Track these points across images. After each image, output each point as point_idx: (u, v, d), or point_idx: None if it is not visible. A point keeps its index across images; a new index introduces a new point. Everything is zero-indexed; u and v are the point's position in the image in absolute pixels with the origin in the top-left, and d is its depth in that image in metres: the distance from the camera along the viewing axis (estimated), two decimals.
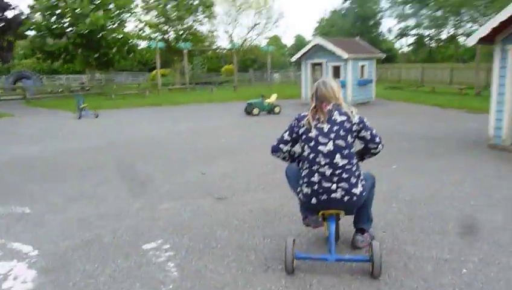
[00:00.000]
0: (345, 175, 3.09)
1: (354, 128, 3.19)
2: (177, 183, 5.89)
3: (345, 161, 3.11)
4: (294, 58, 17.71)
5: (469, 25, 28.15)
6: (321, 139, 3.13)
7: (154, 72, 33.43)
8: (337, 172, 3.09)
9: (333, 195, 3.10)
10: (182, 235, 4.06)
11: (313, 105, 3.26)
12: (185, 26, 29.14)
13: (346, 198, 3.11)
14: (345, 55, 15.56)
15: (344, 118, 3.17)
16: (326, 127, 3.15)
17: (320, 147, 3.12)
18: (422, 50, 35.51)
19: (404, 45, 38.11)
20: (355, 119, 3.19)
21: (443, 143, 8.41)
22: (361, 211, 3.48)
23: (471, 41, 7.83)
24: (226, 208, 4.82)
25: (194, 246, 3.83)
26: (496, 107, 7.81)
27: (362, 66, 16.56)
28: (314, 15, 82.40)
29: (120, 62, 27.82)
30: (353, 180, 3.11)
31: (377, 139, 3.27)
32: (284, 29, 77.18)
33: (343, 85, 16.01)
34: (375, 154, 3.36)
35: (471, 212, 4.47)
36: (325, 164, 3.10)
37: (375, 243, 3.14)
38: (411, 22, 34.05)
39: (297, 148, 3.38)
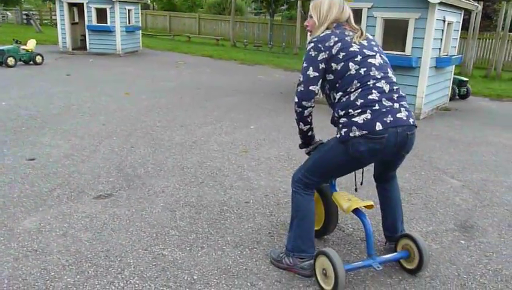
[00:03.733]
0: (402, 93, 2.44)
1: None
2: (7, 183, 3.84)
3: (396, 79, 2.49)
4: None
5: None
6: (367, 51, 2.42)
7: None
8: (395, 88, 2.41)
9: (399, 115, 2.32)
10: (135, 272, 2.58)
11: (333, 25, 2.49)
12: None
13: (411, 120, 2.37)
14: None
15: (371, 36, 2.59)
16: (364, 42, 2.47)
17: (370, 60, 2.40)
18: None
19: None
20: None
21: (265, 96, 8.42)
22: None
23: None
24: (133, 212, 3.39)
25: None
26: None
27: (129, 11, 14.96)
28: None
29: None
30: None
31: None
32: None
33: (111, 31, 14.17)
34: None
35: None
36: (381, 78, 2.37)
37: (415, 234, 2.67)
38: None
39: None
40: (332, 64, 2.38)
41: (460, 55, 9.12)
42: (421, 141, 5.80)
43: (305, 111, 2.48)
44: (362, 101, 2.30)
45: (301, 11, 18.40)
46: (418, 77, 7.04)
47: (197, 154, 4.81)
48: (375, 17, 7.23)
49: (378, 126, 2.25)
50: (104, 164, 4.37)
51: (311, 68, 2.40)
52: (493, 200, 3.96)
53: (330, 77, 2.42)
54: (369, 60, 2.39)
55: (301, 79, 2.43)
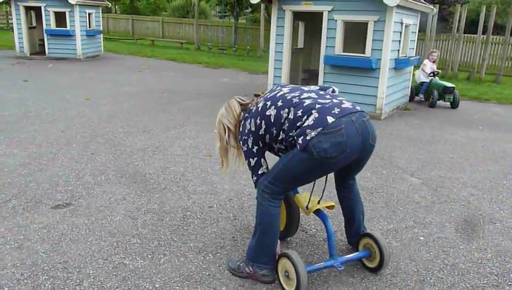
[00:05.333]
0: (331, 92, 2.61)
1: None
2: None
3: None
4: None
5: None
6: (270, 94, 2.60)
7: None
8: (321, 92, 2.50)
9: (344, 106, 2.32)
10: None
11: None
12: None
13: (358, 108, 2.39)
14: (72, 0, 13.28)
15: None
16: (265, 96, 2.69)
17: (279, 94, 2.54)
18: (124, 0, 34.51)
19: None
20: None
21: (230, 99, 8.40)
22: None
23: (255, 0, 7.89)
24: (93, 221, 3.30)
25: None
26: (274, 65, 8.27)
27: (90, 14, 14.62)
28: None
29: None
30: None
31: None
32: None
33: (71, 35, 13.81)
34: None
35: None
36: (302, 92, 2.47)
37: (376, 233, 2.74)
38: None
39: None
40: (260, 132, 2.51)
41: (418, 57, 9.40)
42: (382, 140, 5.93)
43: None
44: (302, 110, 2.32)
45: (265, 14, 18.53)
46: (378, 78, 7.20)
47: (159, 159, 4.75)
48: (336, 20, 7.36)
49: (330, 119, 2.22)
50: (62, 172, 4.24)
51: (250, 158, 2.57)
52: (450, 196, 4.09)
53: (267, 139, 2.52)
54: (278, 95, 2.50)
55: (250, 171, 2.61)
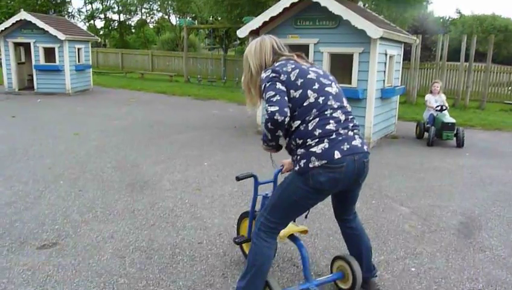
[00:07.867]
0: (356, 122, 2.51)
1: None
2: None
3: (350, 108, 2.56)
4: None
5: (159, 14, 29.47)
6: (323, 80, 2.48)
7: None
8: (350, 117, 2.47)
9: (354, 142, 2.36)
10: None
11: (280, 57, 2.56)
12: None
13: (365, 147, 2.43)
14: (62, 36, 13.43)
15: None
16: (320, 70, 2.56)
17: (327, 89, 2.45)
18: (114, 35, 34.97)
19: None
20: None
21: (219, 131, 8.42)
22: None
23: (243, 33, 8.06)
24: (80, 261, 3.23)
25: None
26: None
27: (79, 49, 14.76)
28: None
29: None
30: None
31: None
32: None
33: (60, 70, 13.89)
34: None
35: None
36: (338, 108, 2.42)
37: (349, 256, 2.81)
38: (99, 4, 32.85)
39: None
40: (291, 91, 2.37)
41: (403, 86, 9.56)
42: (370, 169, 5.88)
43: (278, 133, 2.35)
44: (320, 131, 2.31)
45: None
46: (365, 108, 7.30)
47: (148, 195, 4.71)
48: (322, 52, 7.51)
49: (337, 154, 2.27)
50: (49, 211, 4.18)
51: (277, 94, 2.31)
52: (440, 225, 4.09)
53: (289, 104, 2.36)
54: (326, 89, 2.44)
55: (272, 101, 2.27)
